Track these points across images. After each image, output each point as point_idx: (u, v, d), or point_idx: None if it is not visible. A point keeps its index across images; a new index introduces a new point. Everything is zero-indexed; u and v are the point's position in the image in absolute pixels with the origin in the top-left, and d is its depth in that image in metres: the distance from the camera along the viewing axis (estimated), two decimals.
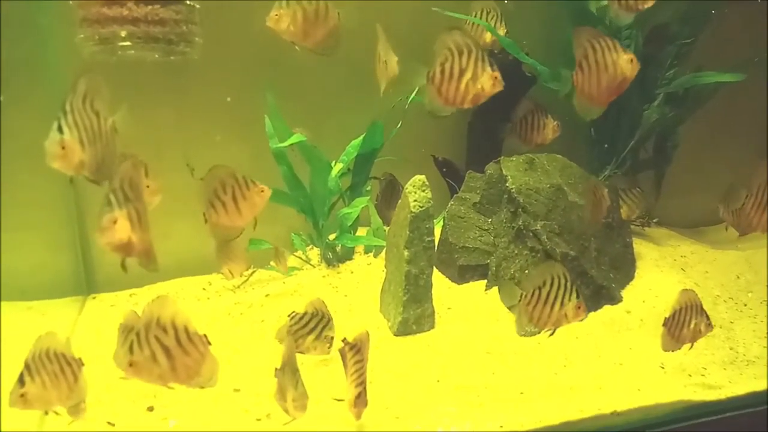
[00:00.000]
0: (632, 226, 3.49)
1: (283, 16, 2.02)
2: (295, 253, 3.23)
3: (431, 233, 2.54)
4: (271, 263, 3.02)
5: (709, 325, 2.24)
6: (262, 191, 2.05)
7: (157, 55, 2.60)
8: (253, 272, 3.09)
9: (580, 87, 2.06)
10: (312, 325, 2.20)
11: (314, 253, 3.26)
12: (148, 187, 2.43)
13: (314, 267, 3.15)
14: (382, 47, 2.43)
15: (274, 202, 2.92)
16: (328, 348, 2.22)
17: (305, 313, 2.20)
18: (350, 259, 3.22)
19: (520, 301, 2.05)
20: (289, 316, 2.22)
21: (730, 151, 3.76)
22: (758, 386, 2.35)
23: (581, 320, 2.08)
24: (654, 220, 3.55)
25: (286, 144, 2.52)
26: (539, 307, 2.03)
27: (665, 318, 2.24)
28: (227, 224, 2.05)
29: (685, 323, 2.24)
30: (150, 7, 2.48)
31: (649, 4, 2.28)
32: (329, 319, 2.21)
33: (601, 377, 2.34)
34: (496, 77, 1.92)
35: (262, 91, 3.05)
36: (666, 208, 3.62)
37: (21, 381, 1.67)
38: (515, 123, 2.72)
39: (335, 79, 3.21)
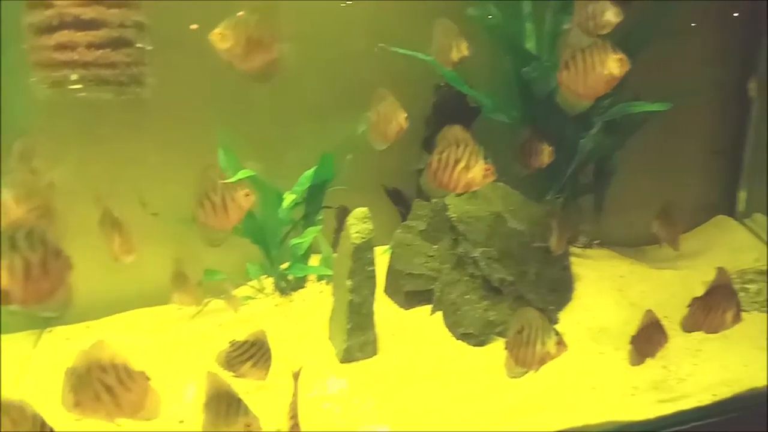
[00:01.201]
0: (574, 248, 3.63)
1: (228, 35, 2.06)
2: (249, 283, 3.30)
3: (373, 263, 2.62)
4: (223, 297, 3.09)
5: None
6: (248, 195, 2.17)
7: (109, 96, 2.69)
8: (209, 302, 3.15)
9: (565, 83, 2.23)
10: (251, 352, 2.27)
11: (269, 281, 3.32)
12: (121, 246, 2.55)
13: (268, 296, 3.22)
14: (390, 105, 2.57)
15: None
16: (264, 375, 2.31)
17: (245, 342, 2.28)
18: (303, 287, 3.29)
19: (505, 348, 2.20)
20: (230, 343, 2.29)
21: (669, 173, 3.97)
22: (686, 405, 2.46)
23: (561, 355, 2.20)
24: (596, 242, 3.69)
25: (233, 179, 2.61)
26: (523, 350, 2.16)
27: (632, 336, 2.41)
28: (215, 225, 2.18)
29: (650, 339, 2.42)
30: (101, 51, 2.56)
31: (608, 30, 2.37)
32: (267, 349, 2.29)
33: (536, 398, 2.44)
34: (487, 168, 2.15)
35: (217, 127, 3.14)
36: (609, 229, 3.75)
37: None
38: (516, 149, 2.94)
39: (290, 113, 3.31)
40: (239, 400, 1.88)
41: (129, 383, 1.82)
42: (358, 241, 2.57)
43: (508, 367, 2.21)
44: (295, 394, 1.98)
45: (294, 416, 1.96)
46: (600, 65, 2.18)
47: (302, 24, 3.18)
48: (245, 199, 2.18)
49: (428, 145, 3.54)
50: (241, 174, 2.77)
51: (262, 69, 2.16)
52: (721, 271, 2.41)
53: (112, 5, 2.55)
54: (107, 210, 2.61)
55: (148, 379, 1.86)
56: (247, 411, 1.87)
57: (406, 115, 2.54)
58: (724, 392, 2.52)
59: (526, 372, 2.25)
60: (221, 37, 2.05)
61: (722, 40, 3.94)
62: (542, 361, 2.18)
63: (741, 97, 3.87)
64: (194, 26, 2.76)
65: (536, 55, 3.30)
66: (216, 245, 2.32)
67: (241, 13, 2.06)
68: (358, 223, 2.59)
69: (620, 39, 2.31)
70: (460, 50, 2.98)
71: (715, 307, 2.37)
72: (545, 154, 2.94)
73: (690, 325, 2.43)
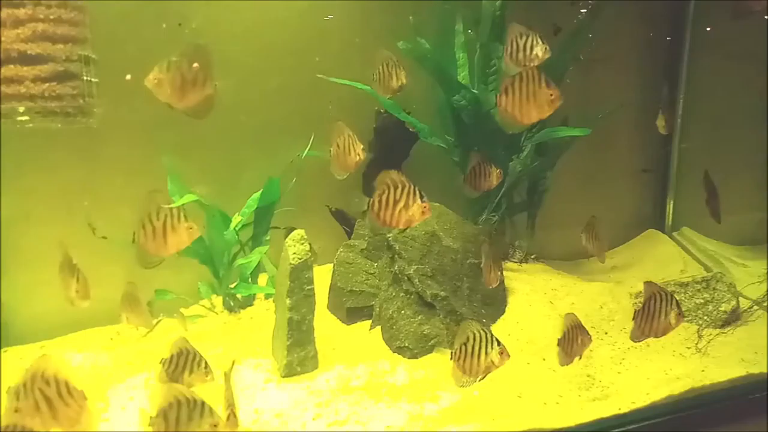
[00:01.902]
0: (510, 263, 3.79)
1: (162, 79, 2.17)
2: (201, 302, 3.39)
3: (311, 282, 2.74)
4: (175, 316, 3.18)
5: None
6: (191, 228, 2.25)
7: (59, 125, 2.79)
8: (160, 321, 3.23)
9: (502, 107, 2.40)
10: (182, 362, 2.32)
11: (219, 300, 3.42)
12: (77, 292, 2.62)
13: (218, 314, 3.32)
14: (348, 138, 2.75)
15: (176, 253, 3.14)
16: (206, 375, 2.34)
17: (172, 356, 2.32)
18: (251, 305, 3.41)
19: (450, 359, 2.33)
20: (160, 362, 2.34)
21: (602, 190, 4.17)
22: (607, 412, 2.58)
23: (504, 363, 2.33)
24: (531, 257, 3.86)
25: (178, 204, 2.72)
26: (469, 361, 2.30)
27: (558, 339, 2.57)
28: (152, 250, 2.25)
29: (575, 340, 2.56)
30: (47, 84, 2.67)
31: (536, 64, 2.52)
32: (194, 353, 2.34)
33: (463, 408, 2.55)
34: (425, 206, 2.34)
35: (165, 152, 3.24)
36: (544, 244, 3.93)
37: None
38: (467, 173, 3.06)
39: (239, 140, 3.45)
40: (203, 403, 1.92)
41: (68, 399, 1.92)
42: (295, 262, 2.69)
43: (456, 377, 2.35)
44: (228, 389, 2.08)
45: (230, 406, 2.06)
46: (534, 96, 2.36)
47: (248, 55, 3.36)
48: (188, 232, 2.27)
49: (370, 170, 3.70)
50: (185, 199, 2.88)
51: (198, 106, 2.25)
52: (648, 283, 2.56)
53: (57, 41, 2.66)
54: (67, 256, 2.68)
55: (85, 398, 1.96)
56: (211, 412, 1.92)
57: (363, 146, 2.75)
58: (643, 400, 2.64)
59: (474, 381, 2.38)
60: (156, 82, 2.16)
61: (646, 65, 4.19)
62: (487, 371, 2.33)
63: (667, 119, 4.12)
64: (129, 77, 2.90)
65: (464, 84, 3.49)
66: (150, 267, 2.40)
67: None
68: (295, 245, 2.71)
69: (547, 65, 2.53)
70: (399, 78, 3.14)
71: (656, 313, 2.52)
72: (494, 177, 3.07)
73: (638, 335, 2.56)
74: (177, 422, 1.90)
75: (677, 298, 2.55)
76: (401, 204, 2.32)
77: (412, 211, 2.34)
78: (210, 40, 3.22)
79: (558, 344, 2.59)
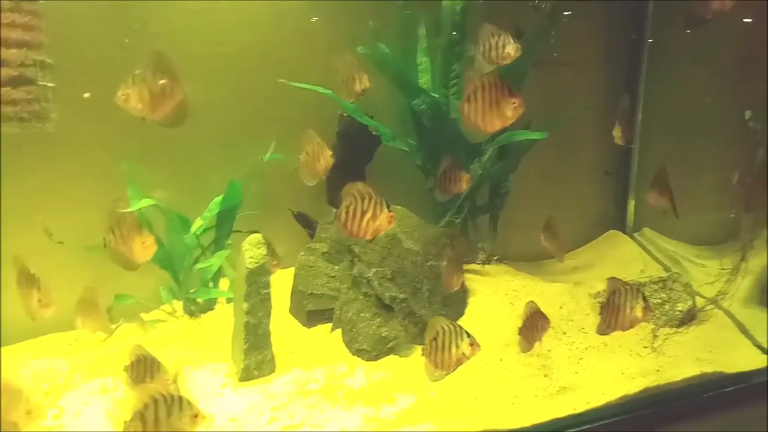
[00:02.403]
0: (473, 265, 3.82)
1: (130, 95, 2.17)
2: (161, 306, 3.37)
3: (267, 286, 2.74)
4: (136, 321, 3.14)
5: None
6: (144, 243, 2.29)
7: (15, 130, 2.76)
8: (119, 326, 3.20)
9: (465, 116, 2.39)
10: (143, 369, 2.34)
11: (180, 305, 3.40)
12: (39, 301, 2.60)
13: (178, 319, 3.30)
14: (317, 145, 2.84)
15: None
16: (167, 380, 2.41)
17: (132, 363, 2.34)
18: (212, 309, 3.39)
19: (422, 354, 2.37)
20: (124, 370, 2.36)
21: (564, 192, 4.21)
22: (563, 412, 2.61)
23: (475, 354, 2.40)
24: (494, 258, 3.88)
25: (134, 208, 2.72)
26: (440, 355, 2.34)
27: (519, 327, 2.69)
28: (124, 253, 2.30)
29: (534, 326, 2.69)
30: (2, 89, 2.64)
31: (508, 62, 2.57)
32: (153, 359, 2.36)
33: (419, 410, 2.56)
34: (391, 216, 2.41)
35: (124, 157, 3.22)
36: (507, 246, 3.96)
37: None
38: (438, 177, 3.08)
39: (201, 144, 3.42)
40: (180, 397, 1.93)
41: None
42: (251, 266, 2.69)
43: (428, 372, 2.39)
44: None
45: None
46: (497, 105, 2.37)
47: (209, 58, 3.35)
48: (143, 248, 2.29)
49: (333, 173, 3.69)
50: (142, 203, 2.87)
51: (172, 115, 2.26)
52: (612, 279, 2.63)
53: (11, 45, 2.63)
54: (24, 268, 2.64)
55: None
56: (190, 404, 1.93)
57: (330, 153, 2.81)
58: (599, 399, 2.68)
59: (446, 374, 2.50)
60: (125, 99, 2.17)
61: (607, 69, 4.25)
62: (459, 363, 2.39)
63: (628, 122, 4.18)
64: (87, 95, 2.90)
65: (424, 89, 3.52)
66: (132, 269, 2.47)
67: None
68: (252, 249, 2.71)
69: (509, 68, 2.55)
70: (362, 82, 3.15)
71: (621, 307, 2.57)
72: (463, 181, 3.10)
73: (604, 328, 2.62)
74: (156, 421, 1.90)
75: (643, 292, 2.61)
76: (368, 215, 2.37)
77: (379, 221, 2.39)
78: (169, 43, 3.25)
79: (519, 332, 2.71)
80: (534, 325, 2.72)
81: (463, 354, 2.35)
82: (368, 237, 2.43)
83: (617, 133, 3.26)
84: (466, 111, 2.38)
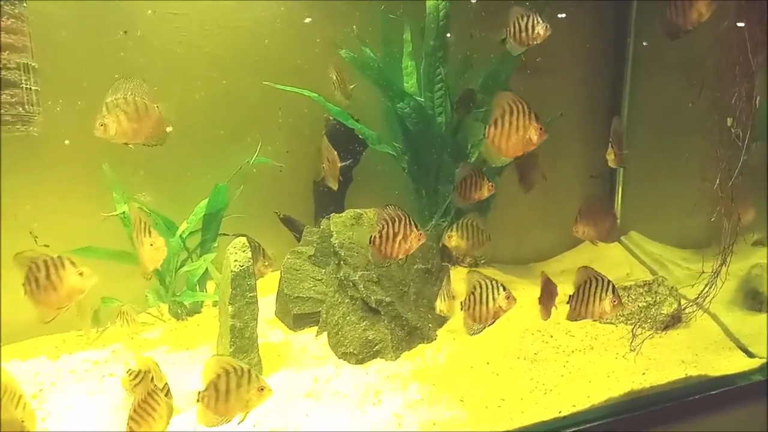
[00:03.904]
0: (460, 267, 3.81)
1: (108, 123, 2.17)
2: (148, 310, 3.34)
3: (253, 289, 2.72)
4: (118, 324, 3.11)
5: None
6: (84, 276, 2.12)
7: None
8: (105, 329, 3.18)
9: (490, 139, 2.39)
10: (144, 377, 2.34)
11: (166, 307, 3.37)
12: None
13: (165, 321, 3.28)
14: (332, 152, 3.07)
15: (120, 262, 3.09)
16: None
17: (139, 371, 2.35)
18: (198, 312, 3.37)
19: (461, 309, 2.49)
20: (127, 372, 2.40)
21: (552, 195, 4.22)
22: (548, 415, 2.60)
23: (512, 307, 2.50)
24: (482, 261, 3.87)
25: (116, 213, 2.71)
26: (478, 308, 2.45)
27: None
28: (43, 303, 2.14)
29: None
30: None
31: (538, 41, 2.61)
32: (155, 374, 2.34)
33: (405, 412, 2.54)
34: (420, 234, 2.49)
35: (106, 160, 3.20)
36: (494, 249, 3.95)
37: None
38: (457, 184, 3.06)
39: (189, 147, 3.41)
40: (249, 370, 2.02)
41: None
42: (237, 269, 2.67)
43: (466, 326, 2.51)
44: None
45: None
46: (522, 130, 2.37)
47: (195, 63, 3.34)
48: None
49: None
50: (127, 206, 2.85)
51: (152, 135, 2.26)
52: (581, 269, 2.63)
53: None
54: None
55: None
56: (257, 377, 2.03)
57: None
58: (584, 403, 2.67)
59: (483, 328, 2.52)
60: (103, 129, 2.17)
61: (592, 74, 4.27)
62: (496, 316, 2.48)
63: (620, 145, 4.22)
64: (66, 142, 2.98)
65: (408, 92, 3.52)
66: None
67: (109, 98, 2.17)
68: (237, 252, 2.69)
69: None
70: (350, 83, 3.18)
71: (591, 297, 2.58)
72: (485, 189, 3.06)
73: (574, 315, 2.63)
74: (227, 391, 2.00)
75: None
76: (400, 236, 2.47)
77: (410, 241, 2.49)
78: (155, 47, 3.25)
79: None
80: (550, 292, 2.75)
81: (500, 307, 2.46)
82: (400, 257, 2.52)
83: (610, 156, 3.25)
84: (491, 135, 2.39)
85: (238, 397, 1.99)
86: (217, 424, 2.01)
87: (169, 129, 2.22)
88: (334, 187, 3.07)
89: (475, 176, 3.02)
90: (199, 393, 1.98)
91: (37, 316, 2.13)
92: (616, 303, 2.57)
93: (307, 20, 3.51)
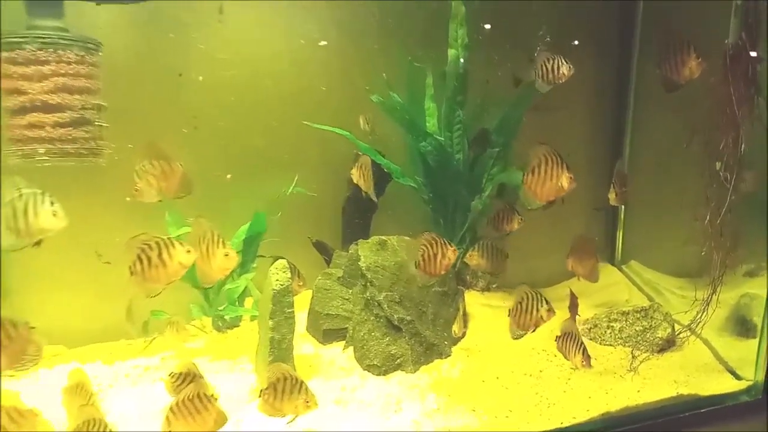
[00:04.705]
0: (473, 291, 4.12)
1: (143, 188, 2.52)
2: (192, 322, 3.67)
3: (291, 306, 3.03)
4: (168, 333, 3.43)
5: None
6: (189, 252, 2.41)
7: (71, 163, 3.10)
8: (154, 339, 3.51)
9: (527, 185, 2.74)
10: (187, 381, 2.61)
11: (208, 321, 3.71)
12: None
13: (207, 333, 3.61)
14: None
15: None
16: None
17: (180, 373, 2.62)
18: (237, 326, 3.70)
19: (508, 315, 2.89)
20: (169, 375, 2.64)
21: (558, 226, 4.52)
22: (551, 425, 2.83)
23: (551, 319, 2.87)
24: (494, 285, 4.18)
25: (175, 235, 3.03)
26: (522, 316, 2.83)
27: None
28: (149, 281, 2.39)
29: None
30: (64, 129, 3.00)
31: (563, 81, 2.99)
32: (199, 376, 2.62)
33: (423, 419, 2.79)
34: (454, 250, 2.83)
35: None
36: (508, 274, 4.23)
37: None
38: (491, 218, 3.46)
39: (232, 178, 3.77)
40: (302, 381, 2.36)
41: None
42: (277, 287, 2.99)
43: (511, 330, 2.91)
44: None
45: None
46: (556, 178, 2.71)
47: (244, 106, 3.72)
48: (186, 257, 2.53)
49: (349, 204, 4.02)
50: (182, 230, 3.20)
51: (179, 188, 2.62)
52: (521, 287, 2.93)
53: (74, 91, 3.00)
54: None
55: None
56: (307, 390, 2.37)
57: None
58: (583, 416, 2.91)
59: (525, 334, 2.95)
60: (140, 193, 2.53)
61: (595, 114, 4.60)
62: (537, 324, 2.86)
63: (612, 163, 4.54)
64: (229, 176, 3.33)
65: (430, 133, 3.88)
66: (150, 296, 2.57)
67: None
68: (278, 272, 3.02)
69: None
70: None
71: (528, 309, 2.88)
72: (515, 222, 3.44)
73: (514, 329, 2.94)
74: (282, 393, 2.37)
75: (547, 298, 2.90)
76: (439, 255, 2.82)
77: (448, 257, 2.84)
78: (209, 89, 3.62)
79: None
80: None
81: (541, 317, 2.82)
82: (442, 273, 2.87)
83: (612, 195, 3.57)
84: (528, 181, 2.73)
85: (290, 401, 2.35)
86: (273, 415, 2.39)
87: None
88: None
89: (507, 211, 3.41)
90: (261, 390, 2.38)
91: (144, 292, 2.39)
92: (550, 311, 2.90)
93: (322, 43, 3.86)
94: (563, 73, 2.96)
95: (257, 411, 2.42)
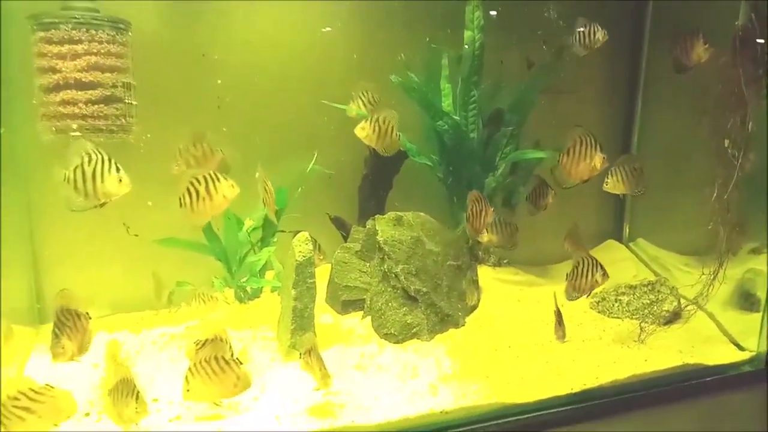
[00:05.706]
0: (485, 266, 4.21)
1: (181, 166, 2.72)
2: (215, 294, 3.76)
3: (313, 276, 3.13)
4: (194, 304, 3.52)
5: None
6: (233, 186, 2.59)
7: (101, 139, 3.19)
8: (179, 309, 3.62)
9: (563, 165, 2.88)
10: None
11: (230, 292, 3.81)
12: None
13: (229, 304, 3.72)
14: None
15: (196, 252, 3.54)
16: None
17: (206, 340, 2.65)
18: (258, 297, 3.80)
19: (566, 279, 3.13)
20: (194, 342, 2.71)
21: (569, 204, 4.59)
22: (562, 391, 2.93)
23: (605, 283, 3.12)
24: (504, 261, 4.27)
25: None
26: (579, 280, 3.07)
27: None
28: (199, 212, 2.58)
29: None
30: (96, 106, 3.09)
31: (599, 46, 3.17)
32: (226, 341, 2.67)
33: (439, 384, 2.89)
34: (492, 210, 3.26)
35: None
36: (516, 250, 4.31)
37: None
38: (529, 194, 3.59)
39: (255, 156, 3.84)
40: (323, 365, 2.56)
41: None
42: (300, 259, 3.09)
43: (567, 293, 3.14)
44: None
45: None
46: (589, 158, 2.88)
47: (265, 81, 3.79)
48: (230, 190, 2.64)
49: (365, 183, 4.10)
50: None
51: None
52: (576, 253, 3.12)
53: (105, 70, 3.09)
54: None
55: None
56: (326, 372, 2.61)
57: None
58: (592, 382, 3.01)
59: (580, 296, 3.12)
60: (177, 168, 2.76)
61: (606, 96, 4.67)
62: (592, 288, 3.09)
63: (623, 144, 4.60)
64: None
65: (446, 112, 3.95)
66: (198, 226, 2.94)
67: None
68: (301, 245, 3.11)
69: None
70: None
71: (584, 274, 3.09)
72: (549, 198, 3.56)
73: (570, 292, 3.15)
74: (316, 360, 2.61)
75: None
76: (483, 213, 3.23)
77: (486, 216, 3.25)
78: (231, 68, 3.70)
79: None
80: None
81: (596, 281, 3.06)
82: (484, 228, 3.30)
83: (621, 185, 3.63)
84: (564, 161, 2.86)
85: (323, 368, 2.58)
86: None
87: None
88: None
89: (543, 187, 3.54)
90: (300, 354, 2.66)
91: (192, 223, 2.59)
92: (605, 275, 3.10)
93: (326, 29, 3.93)
94: (599, 38, 3.16)
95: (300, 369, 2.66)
